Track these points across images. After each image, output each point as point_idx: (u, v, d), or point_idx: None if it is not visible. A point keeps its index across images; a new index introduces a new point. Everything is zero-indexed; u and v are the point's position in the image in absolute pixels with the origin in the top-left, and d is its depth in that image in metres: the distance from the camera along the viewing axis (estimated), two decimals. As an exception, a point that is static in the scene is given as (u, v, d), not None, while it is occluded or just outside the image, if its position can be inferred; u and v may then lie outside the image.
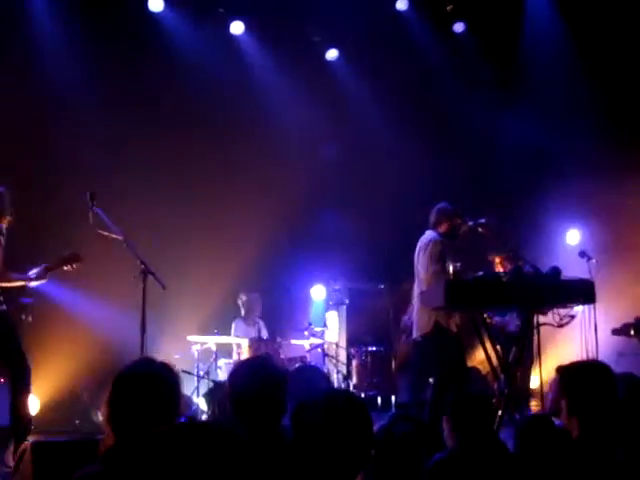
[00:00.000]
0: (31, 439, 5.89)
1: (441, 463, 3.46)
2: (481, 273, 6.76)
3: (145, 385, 3.08)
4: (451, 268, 6.80)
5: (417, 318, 7.21)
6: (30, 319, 8.99)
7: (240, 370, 3.55)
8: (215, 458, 1.45)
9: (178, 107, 10.23)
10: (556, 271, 6.51)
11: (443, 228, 7.28)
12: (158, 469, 1.41)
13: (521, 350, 6.75)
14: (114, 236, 6.55)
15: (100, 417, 3.09)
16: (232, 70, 10.67)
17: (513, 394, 6.70)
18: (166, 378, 3.16)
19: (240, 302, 9.94)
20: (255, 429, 3.31)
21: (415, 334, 7.27)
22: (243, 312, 9.91)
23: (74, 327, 8.98)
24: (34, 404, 8.89)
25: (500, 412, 6.36)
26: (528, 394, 9.12)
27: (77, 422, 8.87)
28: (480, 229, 7.28)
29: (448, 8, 11.33)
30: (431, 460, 3.50)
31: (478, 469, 3.61)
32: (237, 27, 10.85)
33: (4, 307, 6.80)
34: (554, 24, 11.07)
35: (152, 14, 10.28)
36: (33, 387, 8.74)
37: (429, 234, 7.27)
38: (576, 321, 7.20)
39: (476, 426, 4.07)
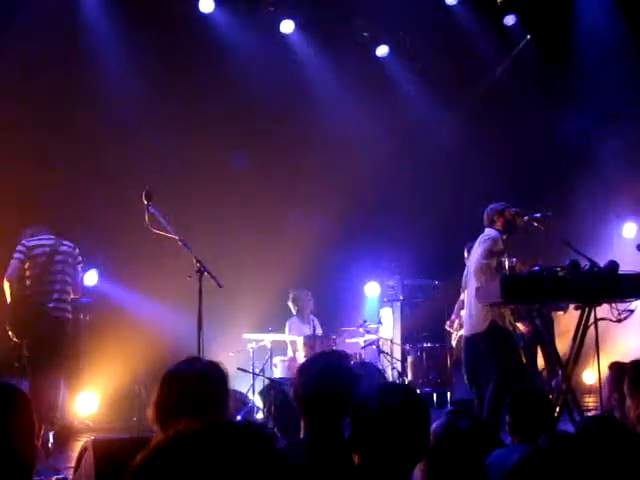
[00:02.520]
0: (92, 436, 5.98)
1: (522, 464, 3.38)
2: (537, 268, 6.69)
3: (190, 382, 3.10)
4: (507, 264, 6.74)
5: (473, 315, 7.14)
6: (88, 318, 9.15)
7: (313, 364, 3.42)
8: (238, 460, 1.45)
9: (229, 106, 10.27)
10: (613, 265, 6.42)
11: (499, 224, 7.23)
12: (181, 468, 1.42)
13: (579, 346, 6.65)
14: (170, 235, 6.55)
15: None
16: (282, 68, 10.71)
17: (570, 390, 6.64)
18: (212, 376, 3.17)
19: (290, 301, 9.96)
20: (317, 424, 3.26)
21: (469, 331, 7.22)
22: (294, 310, 9.94)
23: (131, 326, 9.09)
24: (93, 401, 9.06)
25: (558, 408, 6.30)
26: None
27: (135, 419, 8.97)
28: (535, 223, 7.21)
29: (499, 1, 11.23)
30: (491, 456, 3.47)
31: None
32: (287, 26, 10.89)
33: (69, 315, 7.05)
34: (609, 15, 10.87)
35: (203, 15, 10.35)
36: (92, 385, 8.97)
37: (488, 232, 7.24)
38: (635, 315, 7.07)
39: (536, 422, 4.05)
